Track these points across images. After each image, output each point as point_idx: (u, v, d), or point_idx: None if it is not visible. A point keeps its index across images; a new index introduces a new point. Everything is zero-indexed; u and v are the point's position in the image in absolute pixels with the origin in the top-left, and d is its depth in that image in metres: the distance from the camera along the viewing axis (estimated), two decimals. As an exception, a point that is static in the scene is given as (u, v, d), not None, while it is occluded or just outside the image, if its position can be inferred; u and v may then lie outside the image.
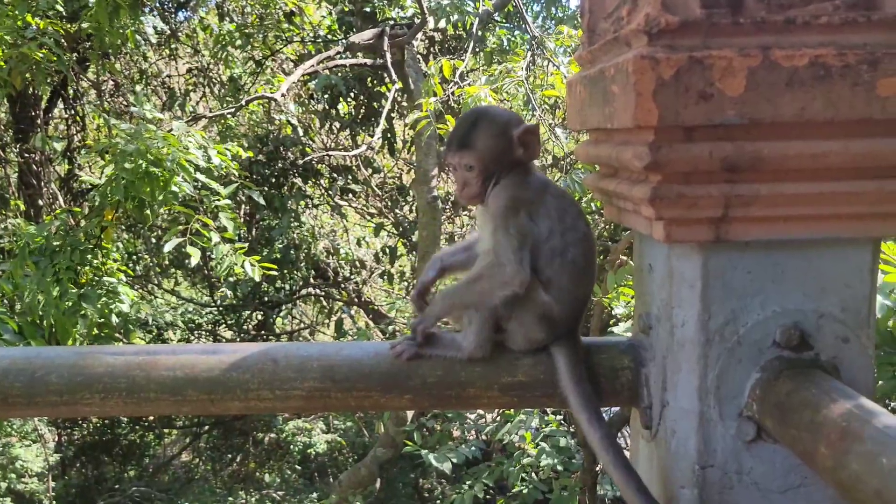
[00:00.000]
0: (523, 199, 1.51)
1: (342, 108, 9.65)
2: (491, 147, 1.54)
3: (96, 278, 5.59)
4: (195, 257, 5.54)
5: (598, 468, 6.03)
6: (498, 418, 7.36)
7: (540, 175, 1.60)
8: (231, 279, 8.78)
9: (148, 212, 5.55)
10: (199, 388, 1.47)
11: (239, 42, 8.85)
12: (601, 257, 8.26)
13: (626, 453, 1.50)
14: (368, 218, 11.20)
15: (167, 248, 5.70)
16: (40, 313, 5.33)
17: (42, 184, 8.99)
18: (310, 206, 10.45)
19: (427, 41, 9.28)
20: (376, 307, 11.16)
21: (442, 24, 7.20)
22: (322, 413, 11.60)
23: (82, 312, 5.25)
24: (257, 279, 5.87)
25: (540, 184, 1.55)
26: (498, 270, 1.48)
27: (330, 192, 10.10)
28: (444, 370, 1.49)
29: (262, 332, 11.10)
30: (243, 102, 7.65)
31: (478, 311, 1.49)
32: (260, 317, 11.19)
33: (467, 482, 6.49)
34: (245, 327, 11.13)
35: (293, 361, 1.48)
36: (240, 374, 1.47)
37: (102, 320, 5.36)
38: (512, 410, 6.34)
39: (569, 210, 1.52)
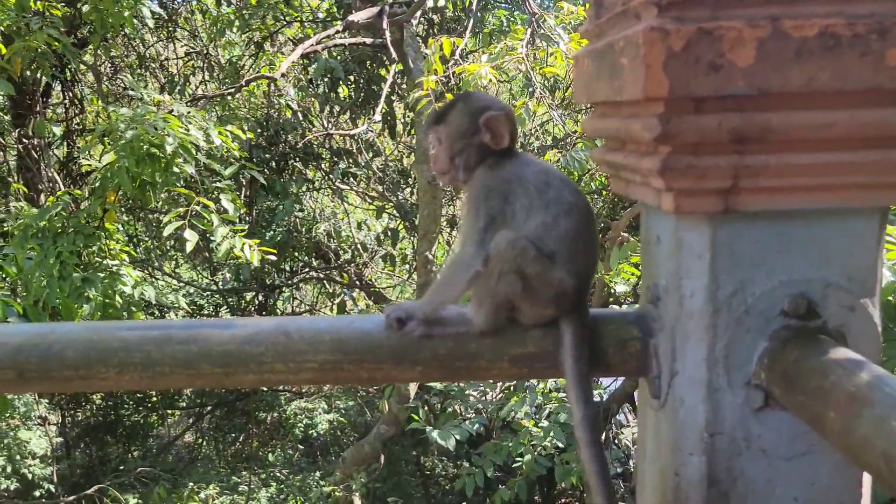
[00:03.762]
0: (497, 182, 1.55)
1: (342, 91, 9.62)
2: (458, 124, 1.61)
3: (99, 261, 5.59)
4: (192, 242, 5.54)
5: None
6: (501, 395, 7.40)
7: (523, 156, 1.63)
8: (231, 262, 8.79)
9: (150, 193, 5.55)
10: (213, 361, 1.48)
11: (237, 24, 8.81)
12: (602, 235, 8.27)
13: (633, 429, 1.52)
14: (369, 201, 11.19)
15: (166, 232, 5.70)
16: (43, 296, 5.33)
17: (41, 167, 8.97)
18: (311, 189, 10.44)
19: (426, 23, 9.23)
20: (378, 289, 11.18)
21: (441, 1, 7.16)
22: (324, 392, 11.66)
23: (86, 295, 5.26)
24: (256, 263, 5.88)
25: (517, 164, 1.58)
26: (460, 255, 1.53)
27: (331, 176, 10.09)
28: (455, 342, 1.50)
29: (264, 313, 11.12)
30: (243, 83, 7.62)
31: (486, 296, 1.50)
32: (261, 299, 11.21)
33: (476, 464, 6.50)
34: (247, 310, 11.15)
35: (305, 335, 1.50)
36: (253, 348, 1.48)
37: (108, 301, 5.37)
38: (513, 388, 6.38)
39: (552, 183, 1.54)
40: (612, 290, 5.30)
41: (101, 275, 5.39)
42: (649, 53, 1.19)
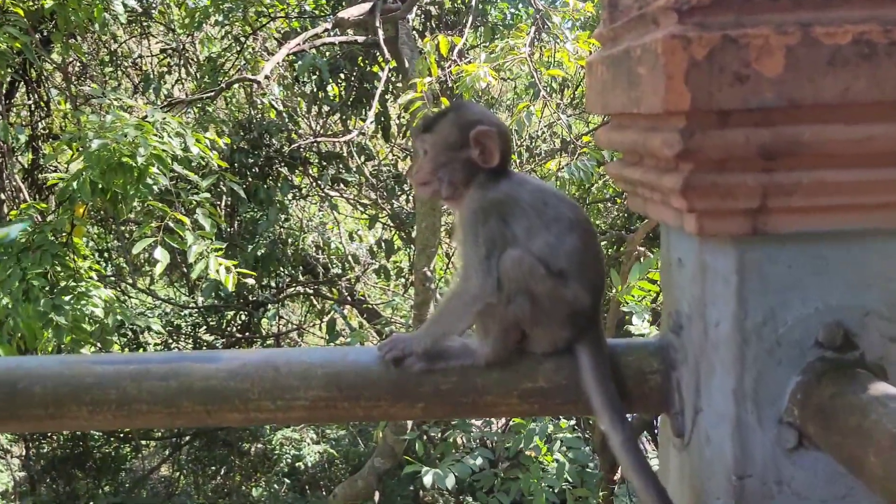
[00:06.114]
0: (492, 204, 1.56)
1: (331, 90, 9.62)
2: (446, 136, 1.62)
3: (67, 281, 5.57)
4: (163, 263, 5.50)
5: (615, 478, 6.06)
6: (507, 424, 7.38)
7: (517, 176, 1.64)
8: (211, 277, 8.76)
9: (122, 206, 5.55)
10: (194, 398, 1.48)
11: (216, 18, 8.82)
12: (616, 248, 8.28)
13: (654, 464, 1.52)
14: (361, 209, 11.18)
15: (136, 250, 5.68)
16: (6, 317, 5.32)
17: (4, 175, 8.96)
18: (297, 197, 10.43)
19: (423, 16, 9.25)
20: (371, 305, 11.16)
21: (438, -4, 7.19)
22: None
23: (54, 322, 5.23)
24: (230, 288, 5.82)
25: (511, 184, 1.59)
26: (465, 286, 1.54)
27: (319, 182, 10.09)
28: (459, 376, 1.50)
29: (247, 333, 11.10)
30: (223, 85, 7.62)
31: (493, 322, 1.51)
32: (244, 317, 11.18)
33: (482, 501, 6.48)
34: (229, 329, 11.12)
35: (296, 368, 1.49)
36: (238, 383, 1.48)
37: (77, 325, 5.35)
38: (521, 419, 6.36)
39: (549, 202, 1.55)
40: (629, 311, 5.29)
41: (68, 297, 5.37)
42: (670, 63, 1.19)
